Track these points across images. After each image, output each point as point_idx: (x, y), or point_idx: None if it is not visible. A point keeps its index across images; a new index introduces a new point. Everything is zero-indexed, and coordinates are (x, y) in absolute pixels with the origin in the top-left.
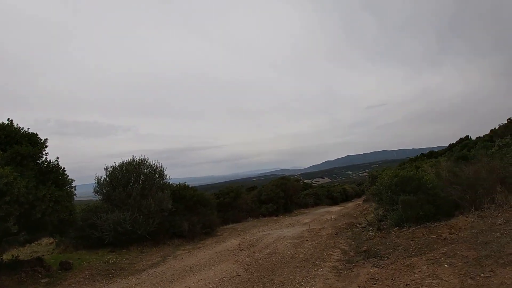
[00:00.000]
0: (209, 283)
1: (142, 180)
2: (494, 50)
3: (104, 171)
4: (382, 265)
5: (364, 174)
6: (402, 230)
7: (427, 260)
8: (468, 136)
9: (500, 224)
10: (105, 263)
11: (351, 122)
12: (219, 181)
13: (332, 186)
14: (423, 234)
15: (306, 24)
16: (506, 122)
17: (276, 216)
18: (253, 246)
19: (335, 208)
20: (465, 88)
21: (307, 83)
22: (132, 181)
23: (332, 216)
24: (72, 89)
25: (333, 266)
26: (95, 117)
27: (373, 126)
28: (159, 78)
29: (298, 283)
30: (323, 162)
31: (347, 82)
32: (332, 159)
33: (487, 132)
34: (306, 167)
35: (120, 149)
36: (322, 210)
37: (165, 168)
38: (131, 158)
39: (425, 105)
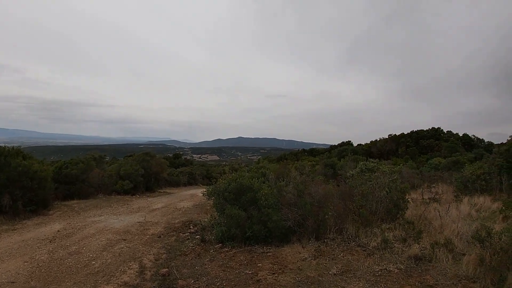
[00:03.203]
0: None
1: None
2: (395, 73)
3: None
4: None
5: (252, 156)
6: (224, 249)
7: None
8: (350, 141)
9: (334, 274)
10: None
11: (250, 107)
12: (105, 143)
13: (213, 166)
14: (241, 264)
15: (231, 8)
16: (387, 137)
17: (133, 195)
18: (69, 236)
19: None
20: (361, 99)
21: (218, 61)
22: None
23: (188, 204)
24: None
25: None
26: None
27: (270, 114)
28: (67, 23)
29: None
30: (214, 140)
31: (255, 69)
32: (224, 138)
33: (368, 141)
34: (197, 141)
35: (2, 92)
36: (190, 192)
37: None
38: None
39: (322, 106)
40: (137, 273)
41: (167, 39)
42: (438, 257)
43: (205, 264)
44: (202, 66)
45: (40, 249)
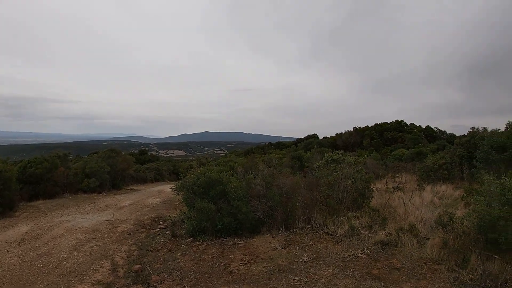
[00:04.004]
0: None
1: None
2: (360, 67)
3: None
4: None
5: (219, 151)
6: (195, 243)
7: None
8: (316, 134)
9: (305, 261)
10: None
11: (216, 101)
12: (69, 140)
13: (180, 161)
14: (213, 257)
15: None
16: (352, 129)
17: (99, 193)
18: (37, 237)
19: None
20: (326, 93)
21: (184, 54)
22: None
23: (157, 200)
24: None
25: None
26: None
27: (236, 108)
28: (26, 12)
29: None
30: (180, 135)
31: (220, 63)
32: (190, 133)
33: (333, 134)
34: (163, 137)
35: None
36: (157, 188)
37: None
38: None
39: (287, 99)
40: (110, 271)
41: (130, 31)
42: (403, 242)
43: (178, 259)
44: (167, 60)
45: (10, 252)
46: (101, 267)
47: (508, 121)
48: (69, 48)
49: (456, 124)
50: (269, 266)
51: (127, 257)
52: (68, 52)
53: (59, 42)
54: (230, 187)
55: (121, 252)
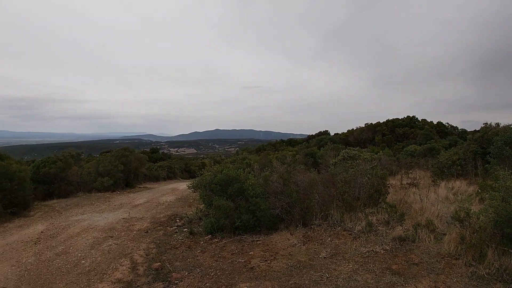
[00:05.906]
0: None
1: None
2: (370, 63)
3: None
4: None
5: (230, 148)
6: (214, 240)
7: None
8: (327, 131)
9: (324, 257)
10: None
11: (225, 98)
12: (80, 140)
13: (192, 159)
14: (233, 254)
15: None
16: (363, 125)
17: (113, 191)
18: (53, 237)
19: (184, 185)
20: (336, 89)
21: (186, 51)
22: None
23: (171, 198)
24: None
25: None
26: None
27: (245, 105)
28: (28, 14)
29: None
30: (191, 133)
31: (227, 60)
32: (200, 131)
33: (344, 130)
34: (174, 135)
35: None
36: (170, 186)
37: None
38: None
39: (297, 95)
40: (129, 269)
41: (132, 28)
42: (420, 237)
43: (197, 256)
44: (170, 56)
45: (26, 252)
46: (120, 265)
47: None
48: (70, 47)
49: (466, 120)
50: (289, 263)
51: (146, 255)
52: (67, 51)
53: (55, 41)
54: (248, 184)
55: (139, 250)
